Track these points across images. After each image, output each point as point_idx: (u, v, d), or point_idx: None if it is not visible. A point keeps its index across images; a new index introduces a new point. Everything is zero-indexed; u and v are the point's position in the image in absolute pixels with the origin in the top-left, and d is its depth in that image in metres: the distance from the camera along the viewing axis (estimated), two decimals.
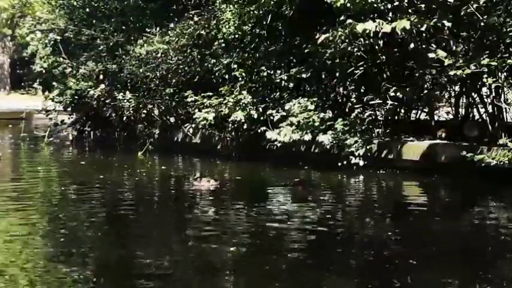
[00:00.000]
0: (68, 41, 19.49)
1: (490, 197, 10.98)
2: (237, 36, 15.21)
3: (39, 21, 20.77)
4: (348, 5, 12.41)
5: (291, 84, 14.62)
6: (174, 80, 16.58)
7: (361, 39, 12.94)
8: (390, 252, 7.58)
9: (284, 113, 13.87)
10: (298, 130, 13.38)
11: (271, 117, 14.09)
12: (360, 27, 12.03)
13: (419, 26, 11.98)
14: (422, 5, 12.44)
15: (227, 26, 15.19)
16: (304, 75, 14.33)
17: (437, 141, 12.91)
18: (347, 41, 12.94)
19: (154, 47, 16.44)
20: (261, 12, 14.83)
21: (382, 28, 11.99)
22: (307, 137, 13.28)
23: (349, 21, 12.32)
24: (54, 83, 19.53)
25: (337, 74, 14.33)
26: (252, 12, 14.88)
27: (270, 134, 13.65)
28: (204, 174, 11.66)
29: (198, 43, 16.22)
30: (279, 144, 13.52)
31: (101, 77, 17.84)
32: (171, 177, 13.02)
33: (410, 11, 12.39)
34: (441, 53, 11.80)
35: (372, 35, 12.30)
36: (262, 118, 14.30)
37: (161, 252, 7.25)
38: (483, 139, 12.37)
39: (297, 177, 12.12)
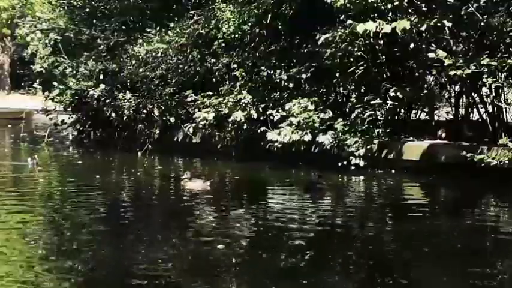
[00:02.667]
0: (68, 41, 19.46)
1: (490, 197, 10.98)
2: (236, 35, 15.20)
3: (39, 21, 20.74)
4: (348, 5, 12.40)
5: (291, 84, 14.61)
6: (174, 80, 16.57)
7: (362, 39, 12.94)
8: (390, 252, 7.58)
9: (284, 113, 13.85)
10: (298, 130, 13.36)
11: (271, 117, 14.08)
12: (360, 27, 12.02)
13: (419, 26, 11.97)
14: (423, 5, 12.43)
15: (227, 26, 15.18)
16: (304, 76, 14.34)
17: (437, 141, 12.90)
18: (347, 41, 12.94)
19: (153, 47, 16.43)
20: (260, 11, 14.83)
21: (382, 28, 11.97)
22: (307, 137, 13.27)
23: (349, 21, 12.31)
24: (54, 83, 19.50)
25: (337, 74, 14.32)
26: (251, 12, 14.87)
27: (271, 135, 13.62)
28: (194, 175, 11.54)
29: (197, 43, 16.21)
30: (279, 146, 13.50)
31: (101, 76, 17.82)
32: (169, 177, 12.99)
33: (410, 11, 12.38)
34: (441, 53, 11.79)
35: (371, 35, 12.29)
36: (262, 118, 14.29)
37: (159, 252, 7.24)
38: (483, 139, 12.37)
39: (296, 177, 12.12)
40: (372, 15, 12.66)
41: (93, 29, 18.65)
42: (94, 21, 19.01)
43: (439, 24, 12.05)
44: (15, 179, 12.22)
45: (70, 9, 19.79)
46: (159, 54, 16.52)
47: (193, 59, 16.19)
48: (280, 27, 15.07)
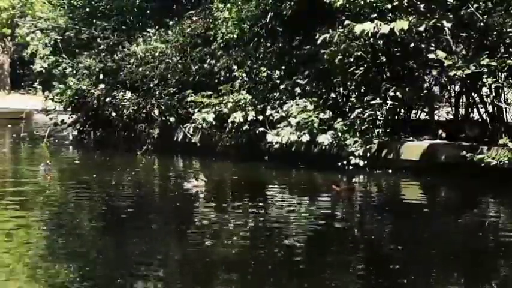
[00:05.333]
0: (68, 41, 19.47)
1: (490, 197, 10.97)
2: (236, 35, 15.18)
3: (40, 21, 20.75)
4: (347, 5, 12.39)
5: (291, 85, 14.59)
6: (174, 80, 16.56)
7: (361, 39, 12.93)
8: (390, 252, 7.57)
9: (283, 114, 13.83)
10: (296, 131, 13.33)
11: (271, 118, 14.07)
12: (358, 28, 11.98)
13: (418, 26, 11.96)
14: (422, 5, 12.41)
15: (225, 26, 15.17)
16: (303, 76, 14.34)
17: (437, 141, 12.89)
18: (346, 41, 12.93)
19: (152, 46, 16.43)
20: (259, 11, 14.81)
21: (380, 29, 11.93)
22: (305, 138, 13.23)
23: (347, 22, 12.30)
24: (54, 83, 19.50)
25: (337, 74, 14.29)
26: (251, 11, 14.85)
27: (270, 137, 13.58)
28: (196, 176, 11.51)
29: (197, 42, 16.20)
30: (277, 146, 13.48)
31: (101, 76, 17.81)
32: (167, 177, 13.00)
33: (410, 10, 12.36)
34: (441, 54, 11.78)
35: (370, 35, 12.28)
36: (261, 118, 14.27)
37: (158, 253, 7.24)
38: (483, 139, 12.36)
39: (296, 177, 12.07)
40: (371, 15, 12.65)
41: (93, 29, 18.66)
42: (94, 20, 19.03)
43: (438, 24, 12.04)
44: (23, 184, 12.11)
45: (70, 9, 19.81)
46: (157, 54, 16.52)
47: (193, 59, 16.19)
48: (279, 27, 15.05)
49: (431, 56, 12.00)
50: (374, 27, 11.95)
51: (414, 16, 12.00)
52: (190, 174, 11.36)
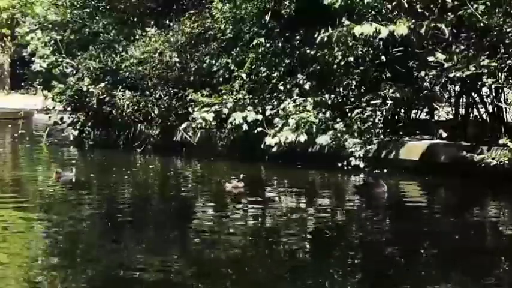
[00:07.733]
0: (68, 40, 19.46)
1: (490, 197, 10.97)
2: (235, 35, 15.16)
3: (39, 20, 20.73)
4: (346, 7, 12.40)
5: (290, 85, 14.58)
6: (173, 80, 16.55)
7: (361, 40, 12.93)
8: (390, 252, 7.57)
9: (283, 113, 13.81)
10: (295, 131, 13.31)
11: (270, 117, 14.05)
12: (357, 30, 11.93)
13: (417, 29, 11.94)
14: (421, 5, 12.41)
15: (224, 25, 15.15)
16: (303, 76, 14.33)
17: (437, 141, 12.89)
18: (347, 41, 12.93)
19: (151, 47, 16.44)
20: (259, 10, 14.80)
21: (379, 32, 11.86)
22: (303, 137, 13.18)
23: (346, 22, 12.28)
24: (54, 82, 19.48)
25: (337, 74, 14.28)
26: (250, 11, 14.84)
27: (268, 140, 13.55)
28: (238, 177, 11.40)
29: (196, 42, 16.21)
30: (275, 148, 13.46)
31: (101, 76, 17.81)
32: (166, 177, 13.00)
33: (409, 10, 12.35)
34: (441, 56, 11.76)
35: (368, 37, 12.28)
36: (261, 118, 14.25)
37: (157, 254, 7.23)
38: (483, 139, 12.36)
39: (296, 177, 12.05)
40: (369, 16, 12.65)
41: (93, 27, 18.66)
42: (94, 19, 19.02)
43: (438, 25, 12.02)
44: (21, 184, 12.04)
45: (71, 8, 19.79)
46: (156, 54, 16.52)
47: (192, 58, 16.18)
48: (279, 26, 15.04)
49: (431, 58, 11.98)
50: (373, 32, 11.91)
51: (413, 20, 11.96)
52: (230, 176, 11.24)
